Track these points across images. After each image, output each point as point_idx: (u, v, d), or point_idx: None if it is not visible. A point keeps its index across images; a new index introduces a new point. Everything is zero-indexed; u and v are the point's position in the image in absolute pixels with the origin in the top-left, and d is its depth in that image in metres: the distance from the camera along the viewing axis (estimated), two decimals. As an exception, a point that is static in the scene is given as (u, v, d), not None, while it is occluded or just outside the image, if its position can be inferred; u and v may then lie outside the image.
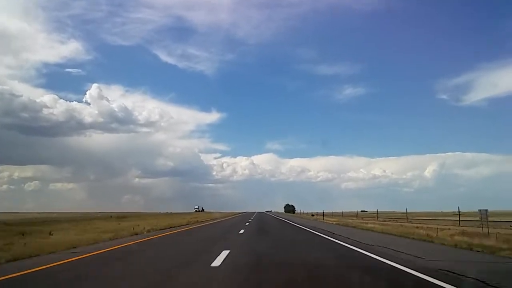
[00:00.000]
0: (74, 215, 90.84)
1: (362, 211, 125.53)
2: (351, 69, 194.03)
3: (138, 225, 28.28)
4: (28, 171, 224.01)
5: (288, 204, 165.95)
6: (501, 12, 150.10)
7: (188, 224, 28.94)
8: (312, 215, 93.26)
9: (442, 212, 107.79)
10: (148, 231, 19.81)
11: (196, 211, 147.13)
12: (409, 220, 43.65)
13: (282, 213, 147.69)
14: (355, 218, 54.22)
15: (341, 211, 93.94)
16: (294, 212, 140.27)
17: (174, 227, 24.70)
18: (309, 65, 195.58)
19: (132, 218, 50.56)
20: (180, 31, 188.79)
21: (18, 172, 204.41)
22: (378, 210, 69.48)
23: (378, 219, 47.29)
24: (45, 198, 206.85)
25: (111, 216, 52.83)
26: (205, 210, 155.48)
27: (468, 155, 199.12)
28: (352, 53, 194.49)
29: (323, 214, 45.29)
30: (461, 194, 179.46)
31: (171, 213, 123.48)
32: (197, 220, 32.78)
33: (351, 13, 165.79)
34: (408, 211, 49.27)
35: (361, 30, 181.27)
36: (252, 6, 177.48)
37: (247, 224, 29.05)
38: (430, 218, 50.61)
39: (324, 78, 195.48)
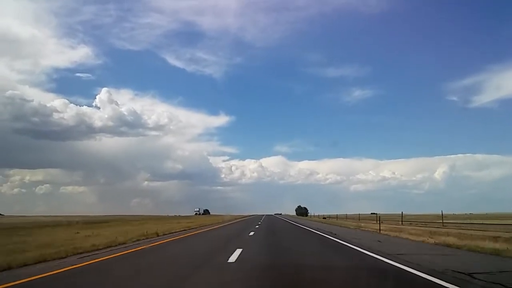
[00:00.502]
0: (75, 218, 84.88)
1: (372, 214, 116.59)
2: (358, 72, 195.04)
3: (98, 234, 20.73)
4: (39, 174, 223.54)
5: (300, 206, 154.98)
6: (509, 13, 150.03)
7: (149, 236, 20.80)
8: (324, 218, 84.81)
9: (454, 214, 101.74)
10: (81, 252, 11.99)
11: (196, 214, 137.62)
12: (445, 224, 35.01)
13: (293, 216, 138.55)
14: (375, 222, 45.77)
15: (351, 213, 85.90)
16: (307, 215, 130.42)
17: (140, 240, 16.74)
18: (317, 68, 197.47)
19: (114, 223, 43.13)
20: (189, 35, 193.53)
21: (29, 176, 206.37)
22: (389, 213, 60.61)
23: (403, 223, 38.74)
24: (56, 201, 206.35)
25: (77, 222, 45.18)
26: (211, 213, 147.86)
27: (479, 156, 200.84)
28: (359, 55, 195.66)
29: (378, 220, 28.97)
30: (472, 196, 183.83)
31: (177, 215, 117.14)
32: (168, 230, 24.08)
33: (358, 16, 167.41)
34: (418, 213, 40.91)
35: (368, 32, 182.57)
36: (259, 10, 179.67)
37: (240, 245, 13.53)
38: (469, 222, 41.67)
39: (331, 81, 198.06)
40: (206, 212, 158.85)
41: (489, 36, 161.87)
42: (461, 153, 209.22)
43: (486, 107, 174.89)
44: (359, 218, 58.65)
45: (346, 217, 74.86)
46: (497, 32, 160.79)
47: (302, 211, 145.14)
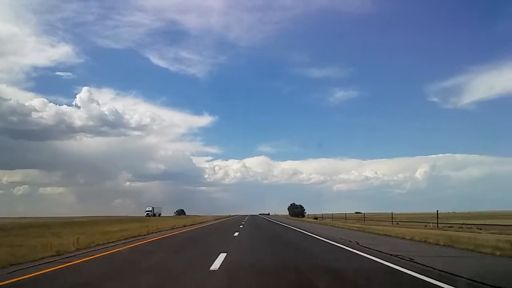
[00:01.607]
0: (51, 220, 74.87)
1: (356, 213, 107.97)
2: (342, 72, 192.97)
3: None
4: (17, 175, 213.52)
5: (294, 204, 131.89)
6: (491, 14, 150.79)
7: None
8: (315, 218, 75.98)
9: (439, 213, 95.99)
10: None
11: (147, 215, 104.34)
12: (478, 226, 25.65)
13: (286, 216, 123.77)
14: (390, 224, 36.27)
15: (334, 212, 77.11)
16: (303, 216, 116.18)
17: None
18: (301, 68, 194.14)
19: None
20: (172, 34, 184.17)
21: (7, 176, 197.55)
22: (372, 212, 51.02)
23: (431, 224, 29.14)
24: (35, 202, 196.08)
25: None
26: (188, 214, 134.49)
27: (458, 156, 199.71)
28: (343, 56, 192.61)
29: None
30: (452, 195, 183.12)
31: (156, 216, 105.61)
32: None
33: (342, 16, 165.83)
34: (401, 212, 32.06)
35: (352, 33, 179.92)
36: (244, 9, 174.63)
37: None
38: (501, 224, 32.33)
39: (315, 81, 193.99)
40: (181, 212, 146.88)
41: (470, 37, 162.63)
42: (441, 153, 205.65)
43: (465, 108, 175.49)
44: (364, 218, 48.85)
45: (346, 217, 65.29)
46: (478, 33, 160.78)
47: (297, 211, 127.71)
